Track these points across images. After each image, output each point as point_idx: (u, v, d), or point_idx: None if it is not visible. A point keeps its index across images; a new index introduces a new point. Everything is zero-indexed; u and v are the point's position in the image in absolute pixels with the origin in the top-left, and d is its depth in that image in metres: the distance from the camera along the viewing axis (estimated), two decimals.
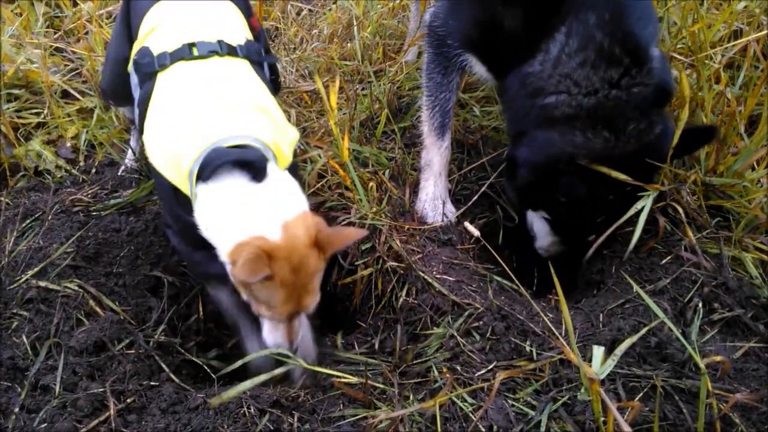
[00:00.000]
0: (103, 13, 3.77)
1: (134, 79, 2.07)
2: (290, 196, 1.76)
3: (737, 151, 2.35)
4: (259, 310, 1.77)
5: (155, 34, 2.08)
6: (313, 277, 1.71)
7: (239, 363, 1.94)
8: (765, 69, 2.50)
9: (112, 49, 2.42)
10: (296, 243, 1.66)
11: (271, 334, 1.81)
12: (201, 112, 1.81)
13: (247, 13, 2.34)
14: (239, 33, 2.13)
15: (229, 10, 2.23)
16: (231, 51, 1.99)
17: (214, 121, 1.78)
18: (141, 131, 1.98)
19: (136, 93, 2.05)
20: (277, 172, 1.77)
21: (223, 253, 1.72)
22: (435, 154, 2.44)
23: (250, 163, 1.70)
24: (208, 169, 1.69)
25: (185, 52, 1.95)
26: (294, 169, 1.93)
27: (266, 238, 1.64)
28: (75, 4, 3.87)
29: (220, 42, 1.99)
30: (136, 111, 2.03)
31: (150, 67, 1.97)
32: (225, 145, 1.71)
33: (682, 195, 2.17)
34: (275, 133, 1.86)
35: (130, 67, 2.10)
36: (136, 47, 2.12)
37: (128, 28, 2.28)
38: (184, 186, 1.79)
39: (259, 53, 2.12)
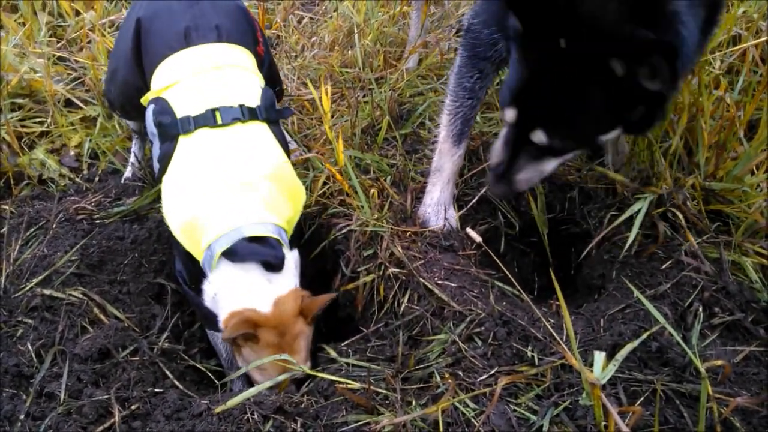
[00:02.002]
0: (106, 22, 3.80)
1: (152, 128, 2.15)
2: (287, 278, 1.99)
3: (737, 155, 2.36)
4: (253, 375, 1.99)
5: (176, 89, 2.17)
6: (297, 338, 1.94)
7: (243, 371, 1.97)
8: (764, 74, 2.52)
9: (121, 69, 2.45)
10: (283, 313, 1.92)
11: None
12: (223, 190, 1.98)
13: (255, 41, 2.42)
14: (254, 86, 2.24)
15: (243, 59, 2.31)
16: (252, 115, 2.12)
17: (235, 199, 1.97)
18: (159, 182, 2.14)
19: (155, 142, 2.16)
20: (287, 257, 2.00)
21: (221, 320, 1.97)
22: (447, 161, 2.41)
23: (272, 264, 1.95)
24: (237, 257, 1.92)
25: (209, 119, 2.07)
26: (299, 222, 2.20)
27: (257, 310, 1.91)
28: (77, 14, 3.89)
29: (241, 107, 2.11)
30: (156, 165, 2.15)
31: (173, 130, 2.08)
32: (247, 233, 1.93)
33: (678, 198, 2.18)
34: (288, 203, 2.09)
35: (148, 114, 2.19)
36: (152, 94, 2.21)
37: (139, 61, 2.34)
38: (196, 253, 2.00)
39: (273, 104, 2.23)
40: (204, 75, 2.18)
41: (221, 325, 1.96)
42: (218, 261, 1.94)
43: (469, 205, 2.46)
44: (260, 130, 2.14)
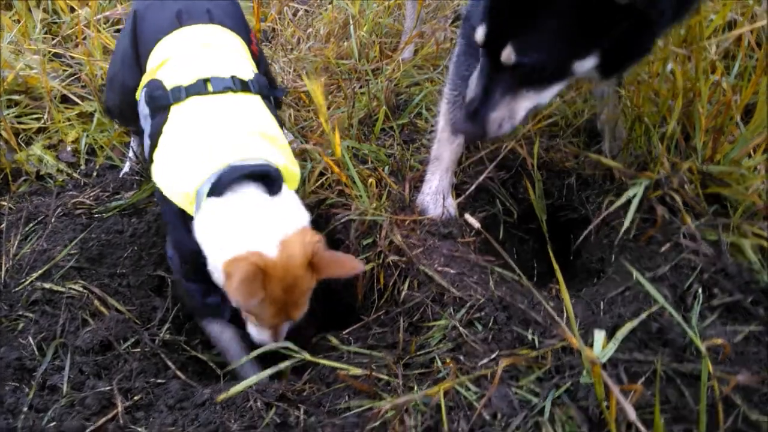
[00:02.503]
0: (101, 17, 3.79)
1: (144, 110, 2.10)
2: (292, 211, 1.81)
3: (734, 139, 2.36)
4: (248, 317, 1.87)
5: (167, 67, 2.12)
6: (303, 294, 1.77)
7: (245, 359, 1.97)
8: (760, 58, 2.52)
9: (119, 73, 2.44)
10: (291, 262, 1.70)
11: (258, 334, 1.89)
12: (214, 139, 1.87)
13: (247, 40, 2.41)
14: (247, 67, 2.19)
15: (235, 42, 2.29)
16: (244, 86, 2.06)
17: (229, 146, 1.84)
18: (150, 161, 2.02)
19: (146, 124, 2.09)
20: (286, 190, 1.84)
21: (218, 262, 1.75)
22: (446, 149, 2.40)
23: (266, 176, 1.76)
24: (224, 184, 1.74)
25: (200, 88, 2.00)
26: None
27: (263, 255, 1.69)
28: (72, 10, 3.89)
29: (233, 78, 2.05)
30: (147, 142, 2.06)
31: (164, 100, 2.01)
32: (244, 169, 1.77)
33: (676, 182, 2.18)
34: (286, 160, 1.94)
35: (140, 97, 2.14)
36: (145, 78, 2.16)
37: (137, 55, 2.32)
38: (188, 206, 1.84)
39: (267, 87, 2.18)
40: (195, 49, 2.16)
41: (221, 268, 1.73)
42: (205, 201, 1.78)
43: (466, 194, 2.45)
44: (253, 99, 2.08)
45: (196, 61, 2.11)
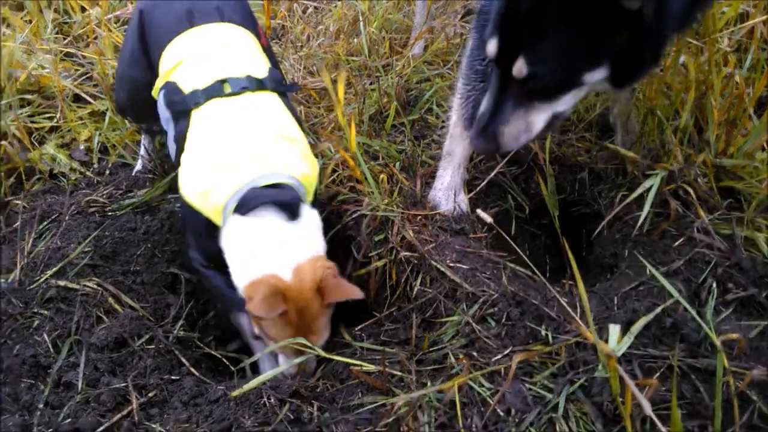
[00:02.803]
0: (111, 17, 3.81)
1: (165, 113, 2.14)
2: (308, 238, 1.88)
3: (747, 132, 2.35)
4: (270, 344, 1.89)
5: (181, 69, 2.15)
6: (315, 319, 1.82)
7: (257, 356, 1.98)
8: None
9: (127, 69, 2.47)
10: (303, 286, 1.79)
11: (282, 361, 1.93)
12: (237, 148, 1.93)
13: (256, 33, 2.42)
14: (261, 63, 2.21)
15: (247, 38, 2.31)
16: (260, 85, 2.09)
17: (251, 157, 1.91)
18: (177, 165, 2.08)
19: (169, 127, 2.15)
20: (306, 213, 1.90)
21: (239, 285, 1.87)
22: (458, 145, 2.39)
23: (286, 205, 1.85)
24: (248, 206, 1.83)
25: (218, 90, 2.05)
26: (316, 194, 2.09)
27: (279, 277, 1.78)
28: (83, 10, 3.91)
29: (249, 77, 2.08)
30: (173, 146, 2.13)
31: (184, 105, 2.06)
32: (262, 183, 1.85)
33: (690, 175, 2.17)
34: (305, 163, 2.00)
35: (160, 100, 2.18)
36: (160, 80, 2.20)
37: (145, 52, 2.35)
38: (216, 217, 1.91)
39: (281, 82, 2.20)
40: (209, 51, 2.18)
41: (242, 293, 1.84)
42: (231, 217, 1.87)
43: (477, 189, 2.45)
44: (271, 98, 2.12)
45: (210, 61, 2.13)
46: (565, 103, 1.88)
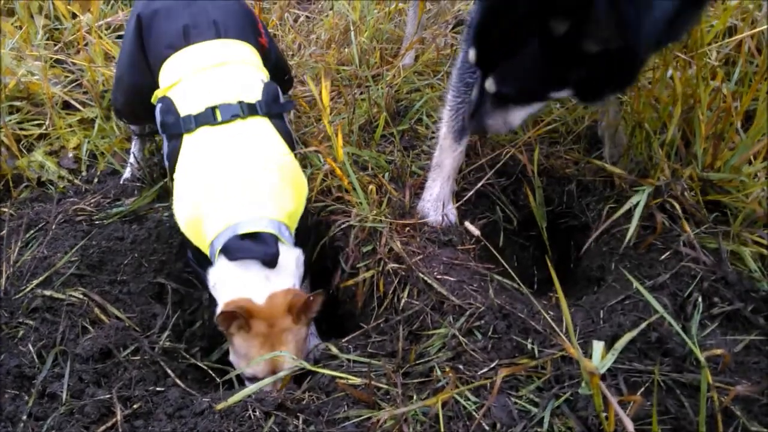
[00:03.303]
0: (102, 24, 3.80)
1: (161, 128, 2.22)
2: (284, 278, 2.02)
3: (734, 146, 2.36)
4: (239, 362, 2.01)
5: (179, 88, 2.23)
6: (285, 332, 1.95)
7: (243, 368, 1.97)
8: (760, 64, 2.52)
9: (126, 73, 2.50)
10: (275, 307, 1.95)
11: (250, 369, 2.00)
12: (224, 180, 2.03)
13: (256, 32, 2.45)
14: (256, 80, 2.27)
15: (243, 52, 2.34)
16: (251, 110, 2.16)
17: (236, 191, 2.01)
18: (171, 179, 2.19)
19: (164, 140, 2.23)
20: (284, 254, 2.01)
21: (218, 308, 2.00)
22: (448, 157, 2.41)
23: (268, 259, 1.98)
24: (232, 254, 1.96)
25: (209, 118, 2.12)
26: (305, 218, 2.21)
27: (252, 300, 1.94)
28: (74, 16, 3.90)
29: (240, 103, 2.14)
30: (166, 162, 2.22)
31: (176, 129, 2.15)
32: (243, 230, 1.96)
33: (676, 189, 2.18)
34: (290, 194, 2.10)
35: (157, 112, 2.25)
36: (159, 93, 2.27)
37: (144, 56, 2.38)
38: (203, 248, 2.06)
39: (277, 98, 2.26)
40: (204, 72, 2.23)
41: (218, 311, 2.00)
42: (218, 257, 1.99)
43: (464, 199, 2.45)
44: (261, 125, 2.17)
45: (204, 86, 2.20)
46: (539, 107, 2.05)
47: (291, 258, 2.05)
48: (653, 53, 2.01)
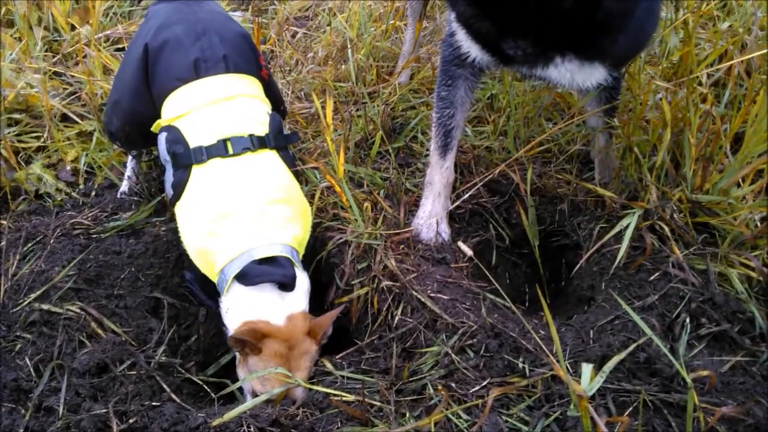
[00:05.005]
0: (101, 36, 3.83)
1: (165, 156, 2.27)
2: (299, 299, 2.07)
3: (723, 168, 2.41)
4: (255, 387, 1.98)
5: (187, 119, 2.27)
6: (304, 356, 1.98)
7: (239, 383, 2.00)
8: (749, 88, 2.57)
9: (126, 99, 2.51)
10: (295, 329, 1.99)
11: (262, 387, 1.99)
12: (235, 211, 2.08)
13: (258, 66, 2.50)
14: (263, 114, 2.34)
15: (251, 88, 2.40)
16: (261, 143, 2.22)
17: (247, 221, 2.07)
18: (172, 206, 2.26)
19: (168, 168, 2.27)
20: (298, 279, 2.06)
21: (232, 330, 2.02)
22: (437, 173, 2.46)
23: (283, 283, 2.03)
24: (250, 279, 2.00)
25: (221, 150, 2.18)
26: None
27: (269, 322, 1.98)
28: (73, 28, 3.92)
29: (251, 136, 2.21)
30: (170, 191, 2.26)
31: (187, 160, 2.20)
32: (257, 255, 2.01)
33: (666, 212, 2.23)
34: (298, 224, 2.17)
35: (161, 141, 2.28)
36: (164, 122, 2.31)
37: (147, 86, 2.41)
38: (211, 276, 2.10)
39: (281, 129, 2.34)
40: (215, 105, 2.27)
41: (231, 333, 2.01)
42: (231, 284, 2.03)
43: (452, 206, 2.48)
44: (270, 157, 2.25)
45: (215, 118, 2.25)
46: None
47: (304, 281, 2.11)
48: None
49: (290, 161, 2.34)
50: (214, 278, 2.08)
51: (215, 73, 2.33)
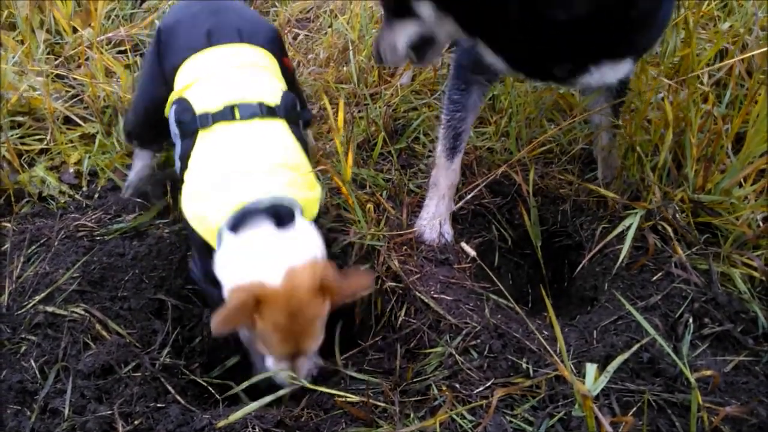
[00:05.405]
0: (103, 39, 3.83)
1: (174, 129, 2.16)
2: (303, 243, 1.82)
3: (725, 168, 2.42)
4: (259, 348, 1.85)
5: (196, 88, 2.16)
6: (312, 322, 1.75)
7: (244, 385, 2.00)
8: (749, 87, 2.58)
9: (142, 91, 2.50)
10: (297, 289, 1.71)
11: (274, 366, 1.87)
12: (236, 174, 1.92)
13: (281, 53, 2.42)
14: (276, 86, 2.22)
15: (265, 61, 2.31)
16: (270, 112, 2.09)
17: (248, 182, 1.89)
18: (181, 181, 2.10)
19: (177, 142, 2.16)
20: (301, 221, 1.85)
21: (226, 293, 1.83)
22: (442, 175, 2.46)
23: (277, 212, 1.82)
24: (240, 221, 1.80)
25: (227, 115, 2.05)
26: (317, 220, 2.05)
27: (264, 284, 1.71)
28: (75, 31, 3.93)
29: (260, 104, 2.08)
30: (178, 163, 2.15)
31: (192, 126, 2.08)
32: (255, 206, 1.82)
33: (668, 211, 2.24)
34: (305, 189, 1.99)
35: (171, 115, 2.19)
36: (174, 95, 2.21)
37: (162, 68, 2.35)
38: (211, 240, 1.91)
39: (294, 107, 2.21)
40: (224, 73, 2.18)
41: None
42: (224, 237, 1.85)
43: (455, 207, 2.49)
44: (279, 126, 2.11)
45: (224, 84, 2.14)
46: (416, 29, 1.99)
47: (310, 229, 1.88)
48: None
49: (302, 139, 2.18)
50: (214, 242, 1.89)
51: (228, 42, 2.24)
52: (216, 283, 1.93)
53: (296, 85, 2.60)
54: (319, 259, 1.82)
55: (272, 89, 2.20)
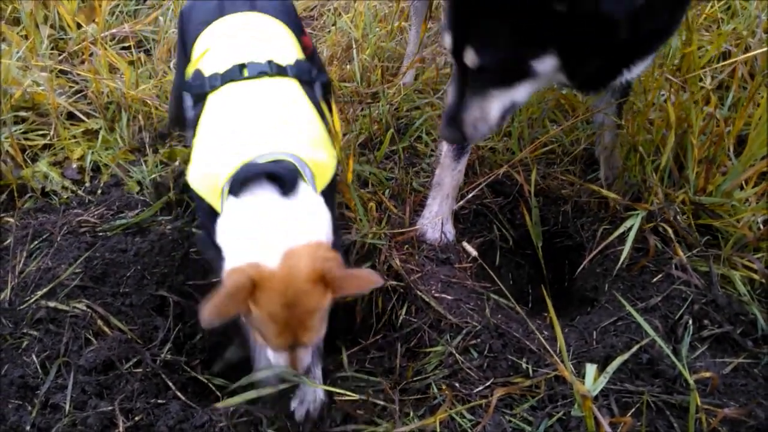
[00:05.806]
0: (107, 35, 3.84)
1: (188, 101, 2.08)
2: (307, 220, 1.62)
3: (726, 170, 2.42)
4: (257, 337, 1.66)
5: (208, 56, 2.08)
6: (311, 314, 1.53)
7: (245, 381, 2.00)
8: (751, 90, 2.58)
9: (176, 76, 2.49)
10: (294, 276, 1.50)
11: (274, 359, 1.68)
12: (242, 131, 1.77)
13: (299, 31, 2.34)
14: (289, 52, 2.11)
15: (278, 29, 2.23)
16: (281, 71, 1.97)
17: (253, 138, 1.73)
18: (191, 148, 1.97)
19: (191, 113, 2.05)
20: (307, 192, 1.66)
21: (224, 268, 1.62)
22: (447, 175, 2.46)
23: (279, 177, 1.62)
24: (240, 183, 1.62)
25: (235, 74, 1.94)
26: (331, 189, 1.86)
27: (261, 266, 1.51)
28: (79, 26, 3.94)
29: (270, 62, 1.97)
30: (191, 133, 2.02)
31: (201, 89, 1.97)
32: (260, 161, 1.65)
33: (669, 213, 2.24)
34: (318, 149, 1.80)
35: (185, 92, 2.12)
36: (190, 69, 2.13)
37: (184, 47, 2.30)
38: (215, 203, 1.72)
39: (310, 72, 2.09)
40: (233, 36, 2.12)
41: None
42: (226, 200, 1.66)
43: (456, 206, 2.50)
44: (290, 85, 1.97)
45: (234, 47, 2.06)
46: (522, 93, 1.92)
47: (317, 204, 1.68)
48: (649, 42, 1.94)
49: (315, 101, 2.00)
50: (218, 206, 1.70)
51: (240, 11, 2.18)
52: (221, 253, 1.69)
53: (318, 62, 2.47)
54: (324, 244, 1.60)
55: (284, 52, 2.09)
